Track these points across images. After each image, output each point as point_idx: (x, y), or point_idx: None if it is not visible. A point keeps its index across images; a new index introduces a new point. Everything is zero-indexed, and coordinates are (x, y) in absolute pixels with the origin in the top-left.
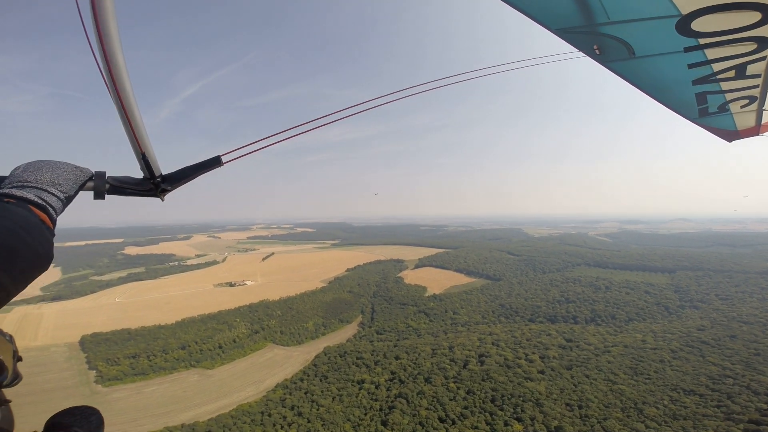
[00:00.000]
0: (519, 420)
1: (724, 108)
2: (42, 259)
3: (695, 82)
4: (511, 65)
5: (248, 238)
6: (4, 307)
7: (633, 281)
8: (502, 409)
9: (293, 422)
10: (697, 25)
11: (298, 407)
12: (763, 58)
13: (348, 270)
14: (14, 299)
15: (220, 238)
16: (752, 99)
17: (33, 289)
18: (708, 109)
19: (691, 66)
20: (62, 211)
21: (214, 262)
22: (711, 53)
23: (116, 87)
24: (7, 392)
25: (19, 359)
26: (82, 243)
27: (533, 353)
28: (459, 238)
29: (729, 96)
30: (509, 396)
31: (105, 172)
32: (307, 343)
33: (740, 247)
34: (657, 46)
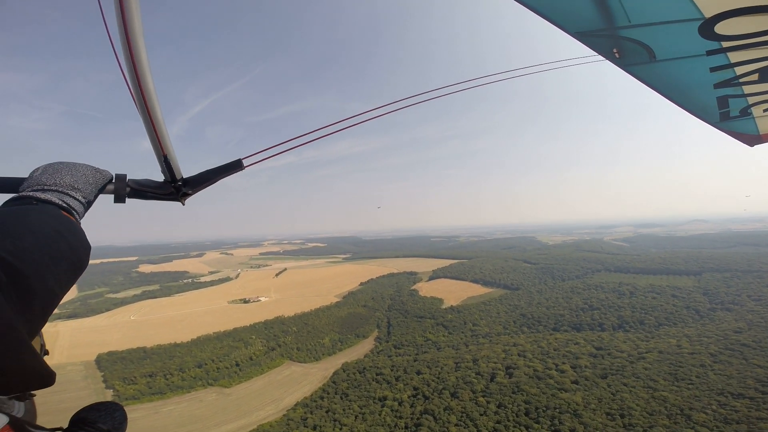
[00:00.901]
0: None
1: (746, 112)
2: (83, 262)
3: (717, 86)
4: (528, 69)
5: (260, 254)
6: None
7: (658, 285)
8: (538, 422)
9: None
10: (721, 28)
11: (320, 427)
12: None
13: (361, 284)
14: None
15: (232, 254)
16: None
17: None
18: (729, 113)
19: (713, 69)
20: (83, 215)
21: (228, 279)
22: (734, 56)
23: (140, 86)
24: None
25: (46, 353)
26: (98, 261)
27: (563, 363)
28: (472, 248)
29: (751, 100)
30: (544, 408)
31: (125, 175)
32: (325, 359)
33: (765, 246)
34: (679, 50)
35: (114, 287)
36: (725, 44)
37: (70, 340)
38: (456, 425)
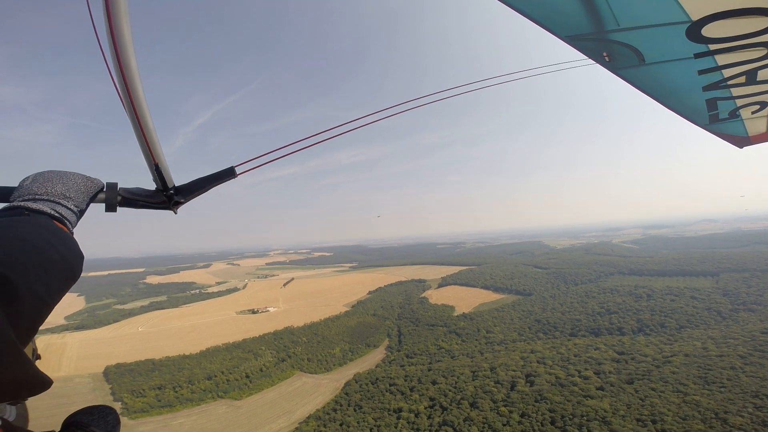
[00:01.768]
0: None
1: (734, 114)
2: (75, 272)
3: (705, 89)
4: (520, 74)
5: (267, 264)
6: None
7: (675, 287)
8: (565, 431)
9: None
10: (708, 31)
11: None
12: None
13: (370, 293)
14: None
15: (239, 265)
16: (763, 105)
17: (56, 317)
18: (718, 115)
19: (701, 72)
20: (76, 224)
21: (235, 290)
22: (721, 59)
23: (129, 94)
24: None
25: (38, 357)
26: (105, 273)
27: (586, 369)
28: (479, 254)
29: (740, 102)
30: (570, 416)
31: (116, 183)
32: (336, 370)
33: None
34: (667, 53)
35: (122, 298)
36: (713, 47)
37: (78, 352)
38: None
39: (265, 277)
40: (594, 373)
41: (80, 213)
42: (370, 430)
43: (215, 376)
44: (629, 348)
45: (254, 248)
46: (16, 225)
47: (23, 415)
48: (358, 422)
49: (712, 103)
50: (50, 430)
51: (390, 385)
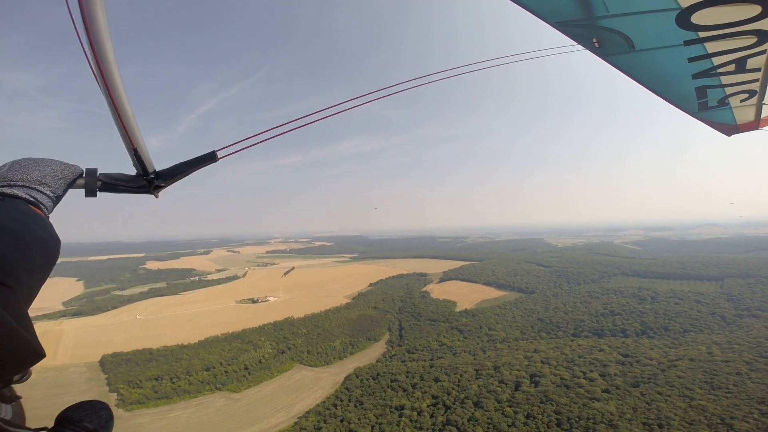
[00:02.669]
0: None
1: (723, 102)
2: (53, 254)
3: (695, 76)
4: (511, 58)
5: (267, 252)
6: None
7: (680, 291)
8: None
9: None
10: (697, 18)
11: None
12: (763, 52)
13: (371, 285)
14: (36, 314)
15: (239, 252)
16: (752, 93)
17: (54, 303)
18: (708, 103)
19: (691, 59)
20: (52, 210)
21: (235, 277)
22: (711, 47)
23: (105, 81)
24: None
25: None
26: (105, 257)
27: (591, 371)
28: (480, 249)
29: (729, 90)
30: (576, 419)
31: (96, 170)
32: (335, 363)
33: None
34: (657, 40)
35: (121, 284)
36: (702, 34)
37: (75, 340)
38: None
39: (266, 266)
40: (599, 375)
41: (57, 198)
42: (372, 427)
43: (213, 368)
44: (634, 350)
45: (255, 235)
46: None
47: (19, 414)
48: (359, 419)
49: (701, 91)
50: (43, 426)
51: (392, 381)
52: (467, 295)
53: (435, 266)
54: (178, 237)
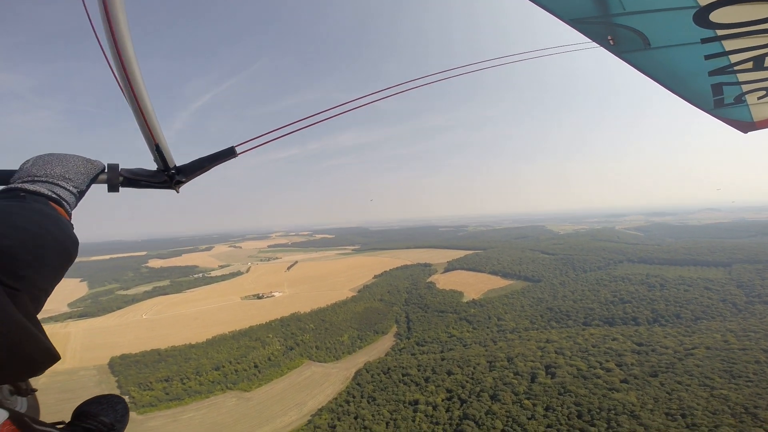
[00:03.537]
0: None
1: (740, 99)
2: (71, 256)
3: (711, 74)
4: (522, 55)
5: (269, 246)
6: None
7: (688, 277)
8: (593, 425)
9: None
10: (716, 16)
11: None
12: None
13: (375, 277)
14: (42, 316)
15: (241, 247)
16: None
17: (60, 305)
18: (724, 100)
19: (707, 57)
20: (75, 206)
21: (239, 273)
22: (729, 45)
23: (127, 76)
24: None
25: None
26: (107, 257)
27: (607, 361)
28: (482, 238)
29: (746, 87)
30: (597, 410)
31: (118, 165)
32: (345, 358)
33: None
34: (673, 37)
35: (125, 283)
36: (720, 32)
37: (82, 342)
38: (502, 431)
39: (268, 260)
40: (616, 365)
41: (80, 194)
42: (387, 424)
43: (223, 367)
44: (647, 339)
45: (255, 230)
46: (10, 211)
47: (34, 407)
48: (373, 415)
49: (717, 88)
50: (60, 421)
51: (403, 375)
52: (473, 285)
53: (438, 256)
54: (179, 234)
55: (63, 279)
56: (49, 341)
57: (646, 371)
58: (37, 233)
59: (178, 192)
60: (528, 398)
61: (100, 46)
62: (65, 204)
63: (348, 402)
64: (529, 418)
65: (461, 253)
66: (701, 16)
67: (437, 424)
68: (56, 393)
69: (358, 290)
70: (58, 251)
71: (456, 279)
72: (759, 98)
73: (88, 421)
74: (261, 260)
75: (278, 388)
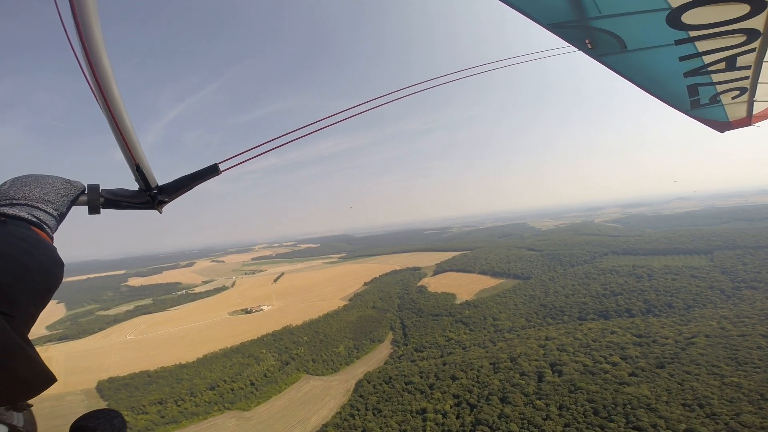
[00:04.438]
0: (639, 429)
1: (715, 99)
2: (56, 280)
3: (686, 75)
4: (504, 62)
5: (252, 259)
6: None
7: (674, 266)
8: (612, 421)
9: None
10: (688, 17)
11: None
12: (752, 50)
13: (365, 284)
14: None
15: (224, 261)
16: (743, 90)
17: (38, 327)
18: (700, 100)
19: (682, 58)
20: (56, 228)
21: (224, 288)
22: (701, 45)
23: (105, 96)
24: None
25: None
26: (84, 277)
27: (611, 355)
28: (467, 238)
29: (720, 87)
30: (612, 405)
31: (98, 185)
32: (343, 369)
33: (758, 221)
34: (648, 40)
35: (104, 303)
36: (693, 33)
37: (65, 366)
38: None
39: (253, 273)
40: (621, 358)
41: (61, 216)
42: None
43: (218, 386)
44: (645, 330)
45: (237, 243)
46: None
47: (31, 422)
48: (380, 428)
49: (693, 89)
50: None
51: (406, 383)
52: (465, 286)
53: (426, 259)
54: (158, 251)
55: None
56: (45, 364)
57: (652, 363)
58: (23, 260)
59: (161, 212)
60: (539, 398)
61: (79, 63)
62: (46, 228)
63: (353, 416)
64: (544, 419)
65: (449, 255)
66: (674, 18)
67: None
68: (48, 419)
69: (349, 299)
70: (45, 276)
71: (447, 281)
72: (733, 98)
73: None
74: (246, 273)
75: (278, 405)
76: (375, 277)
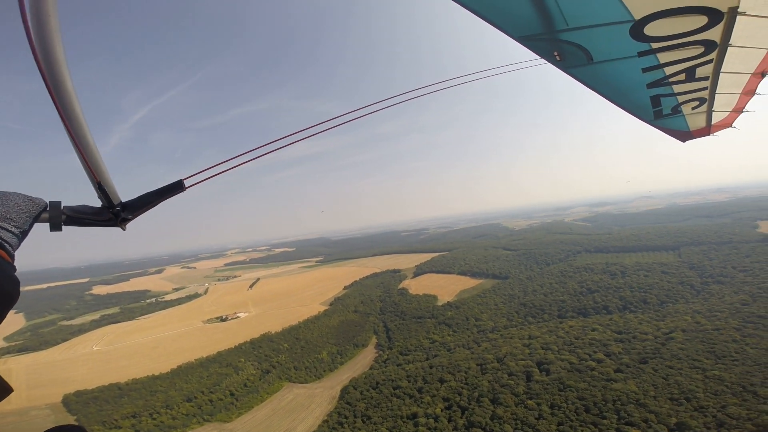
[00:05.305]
0: (631, 425)
1: (676, 110)
2: (10, 298)
3: (649, 86)
4: (479, 74)
5: (225, 265)
6: None
7: (644, 263)
8: (604, 417)
9: None
10: (650, 29)
11: None
12: (710, 61)
13: (345, 288)
14: None
15: (195, 268)
16: (702, 101)
17: None
18: (662, 111)
19: (645, 70)
20: (18, 246)
21: (196, 295)
22: (663, 57)
23: (66, 113)
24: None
25: (10, 390)
26: (44, 285)
27: (595, 352)
28: (444, 239)
29: (681, 98)
30: (602, 402)
31: (60, 202)
32: (327, 376)
33: (717, 218)
34: (613, 51)
35: (67, 313)
36: (654, 45)
37: (27, 380)
38: None
39: (227, 279)
40: (605, 355)
41: (23, 234)
42: None
43: (195, 398)
44: (625, 327)
45: (209, 249)
46: None
47: None
48: None
49: (656, 100)
50: None
51: (394, 388)
52: (445, 287)
53: (405, 261)
54: (124, 257)
55: None
56: None
57: (635, 359)
58: None
59: (124, 229)
60: (530, 398)
61: (45, 81)
62: (7, 246)
63: (341, 423)
64: (537, 418)
65: (427, 257)
66: (637, 30)
67: None
68: None
69: (330, 303)
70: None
71: (427, 283)
72: (693, 108)
73: None
74: (219, 280)
75: (261, 415)
76: (355, 281)
